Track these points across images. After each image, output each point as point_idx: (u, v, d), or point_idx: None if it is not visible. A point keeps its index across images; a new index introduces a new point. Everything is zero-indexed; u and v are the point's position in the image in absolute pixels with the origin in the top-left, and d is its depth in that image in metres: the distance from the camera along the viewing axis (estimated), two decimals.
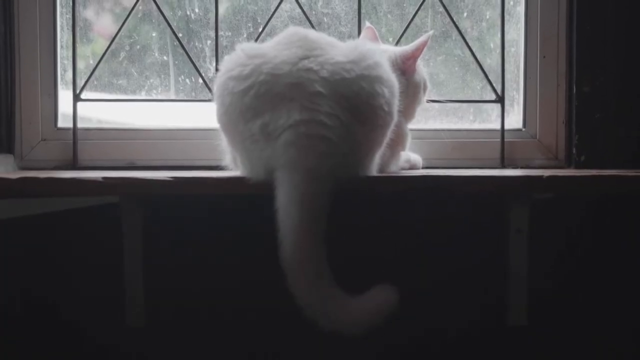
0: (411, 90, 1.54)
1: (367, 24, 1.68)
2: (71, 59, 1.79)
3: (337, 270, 1.72)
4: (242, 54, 1.36)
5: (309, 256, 1.27)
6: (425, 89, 1.60)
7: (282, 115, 1.27)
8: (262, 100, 1.29)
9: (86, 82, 1.80)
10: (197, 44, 1.84)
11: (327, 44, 1.37)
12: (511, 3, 1.86)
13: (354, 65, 1.32)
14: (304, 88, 1.28)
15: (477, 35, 1.89)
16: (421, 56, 1.55)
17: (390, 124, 1.38)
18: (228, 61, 1.38)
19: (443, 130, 1.83)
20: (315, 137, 1.26)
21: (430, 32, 1.53)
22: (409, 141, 1.59)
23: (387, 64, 1.40)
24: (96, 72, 1.81)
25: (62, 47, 1.82)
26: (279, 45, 1.37)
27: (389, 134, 1.39)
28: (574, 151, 1.78)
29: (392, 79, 1.38)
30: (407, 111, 1.54)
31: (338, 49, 1.37)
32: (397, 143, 1.52)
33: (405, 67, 1.53)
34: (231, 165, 1.49)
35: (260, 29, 1.81)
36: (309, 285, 1.27)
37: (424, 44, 1.52)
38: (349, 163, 1.31)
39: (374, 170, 1.40)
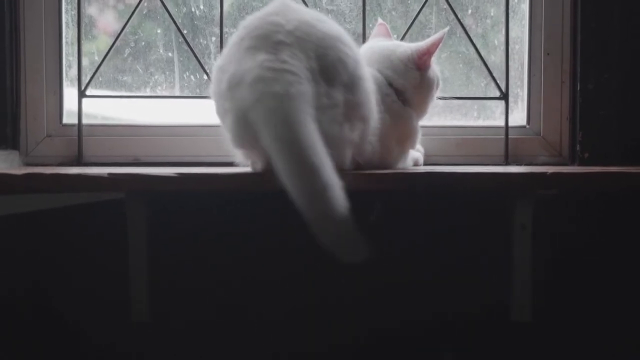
0: (425, 85, 1.54)
1: (379, 20, 1.67)
2: (76, 56, 1.79)
3: (343, 266, 1.73)
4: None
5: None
6: (438, 85, 1.59)
7: (248, 61, 1.26)
8: (236, 57, 1.29)
9: (91, 78, 1.80)
10: (201, 40, 1.85)
11: (306, 12, 1.36)
12: (515, 0, 1.86)
13: (320, 24, 1.32)
14: (269, 38, 1.28)
15: (482, 32, 1.89)
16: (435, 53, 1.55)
17: (361, 92, 1.35)
18: (223, 54, 1.38)
19: (447, 127, 1.84)
20: (281, 70, 1.23)
21: (446, 29, 1.52)
22: (418, 138, 1.58)
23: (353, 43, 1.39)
24: (101, 69, 1.81)
25: (66, 43, 1.82)
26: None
27: (363, 106, 1.36)
28: (578, 148, 1.78)
29: (355, 49, 1.37)
30: (420, 107, 1.54)
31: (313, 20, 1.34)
32: (406, 139, 1.52)
33: (420, 63, 1.52)
34: (243, 161, 1.47)
35: None
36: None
37: (439, 40, 1.51)
38: (320, 120, 1.25)
39: (347, 144, 1.35)
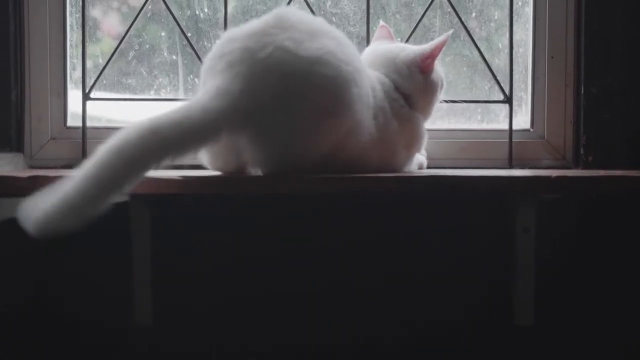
0: (429, 89, 1.53)
1: (381, 22, 1.67)
2: (80, 58, 1.80)
3: (343, 266, 1.73)
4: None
5: None
6: (442, 87, 1.58)
7: (207, 84, 1.33)
8: (209, 76, 1.34)
9: (95, 81, 1.80)
10: (206, 43, 1.85)
11: (297, 30, 1.32)
12: (519, 3, 1.86)
13: (303, 45, 1.29)
14: (234, 67, 1.28)
15: (486, 35, 1.89)
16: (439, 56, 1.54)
17: (345, 115, 1.32)
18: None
19: (451, 130, 1.84)
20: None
21: (450, 32, 1.51)
22: (425, 142, 1.58)
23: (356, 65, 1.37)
24: (105, 72, 1.81)
25: (71, 46, 1.82)
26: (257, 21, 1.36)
27: (343, 126, 1.33)
28: (581, 151, 1.78)
29: (349, 66, 1.33)
30: (425, 110, 1.54)
31: (310, 40, 1.31)
32: (414, 143, 1.52)
33: (423, 66, 1.51)
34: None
35: None
36: None
37: (443, 43, 1.50)
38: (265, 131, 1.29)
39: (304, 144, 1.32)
